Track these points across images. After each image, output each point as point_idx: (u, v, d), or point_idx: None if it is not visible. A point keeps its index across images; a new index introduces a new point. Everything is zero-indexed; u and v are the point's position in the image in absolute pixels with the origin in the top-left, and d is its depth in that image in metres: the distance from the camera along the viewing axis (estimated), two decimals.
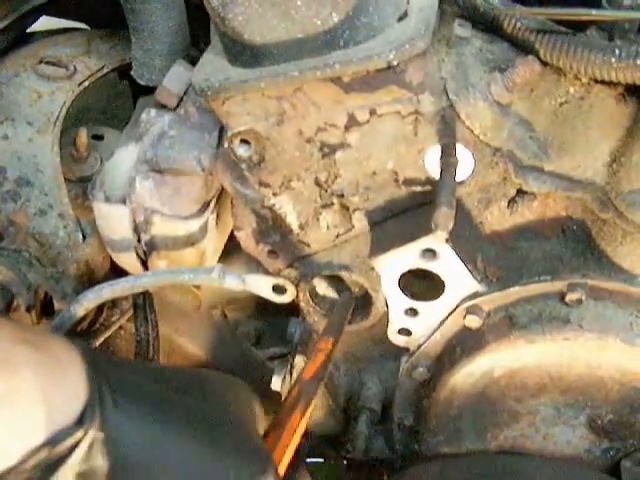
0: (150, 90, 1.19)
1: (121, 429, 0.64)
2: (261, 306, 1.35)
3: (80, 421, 0.62)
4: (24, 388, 0.60)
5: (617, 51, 0.88)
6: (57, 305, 1.12)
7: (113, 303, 1.21)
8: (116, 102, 1.53)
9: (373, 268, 1.04)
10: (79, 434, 0.61)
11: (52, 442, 0.60)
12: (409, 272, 1.02)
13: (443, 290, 1.02)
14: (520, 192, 1.01)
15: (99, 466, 0.62)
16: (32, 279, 1.10)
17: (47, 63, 1.27)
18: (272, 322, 1.35)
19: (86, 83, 1.26)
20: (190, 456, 0.68)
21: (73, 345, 0.66)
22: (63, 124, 1.22)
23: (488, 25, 0.99)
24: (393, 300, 1.05)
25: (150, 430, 0.67)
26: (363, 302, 1.12)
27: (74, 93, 1.24)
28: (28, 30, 1.38)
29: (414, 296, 1.05)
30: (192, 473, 0.68)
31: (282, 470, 0.78)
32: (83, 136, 1.21)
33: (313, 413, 0.89)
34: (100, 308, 1.18)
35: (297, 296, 1.12)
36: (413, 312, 1.06)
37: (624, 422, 1.05)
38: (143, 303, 1.19)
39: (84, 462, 0.62)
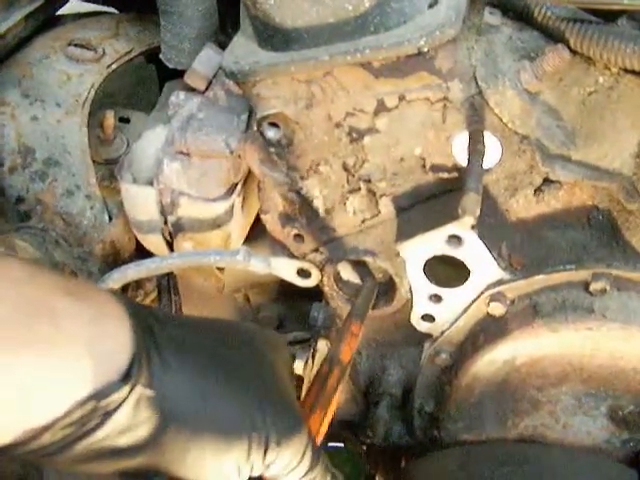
0: (176, 75, 1.20)
1: (168, 385, 0.64)
2: (284, 290, 1.36)
3: (127, 376, 0.61)
4: (69, 339, 0.60)
5: None
6: None
7: (137, 284, 1.22)
8: (142, 86, 1.54)
9: (398, 254, 1.04)
10: (125, 389, 0.61)
11: (98, 396, 0.60)
12: (434, 258, 1.02)
13: (467, 277, 1.03)
14: (546, 181, 1.02)
15: (145, 421, 0.63)
16: (58, 258, 1.11)
17: (76, 45, 1.28)
18: (294, 306, 1.35)
19: (114, 66, 1.27)
20: (232, 408, 0.69)
21: (118, 298, 0.66)
22: (91, 107, 1.22)
23: (518, 13, 0.99)
24: (417, 286, 1.05)
25: (196, 385, 0.67)
26: (387, 288, 1.12)
27: (102, 76, 1.25)
28: (57, 13, 1.39)
29: (438, 282, 1.05)
30: (235, 425, 0.68)
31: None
32: (110, 118, 1.22)
33: (338, 398, 0.89)
34: (124, 289, 1.18)
35: (321, 280, 1.12)
36: (437, 298, 1.06)
37: None
38: (167, 285, 1.20)
39: (130, 418, 0.62)
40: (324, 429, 0.84)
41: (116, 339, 0.63)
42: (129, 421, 0.62)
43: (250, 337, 0.79)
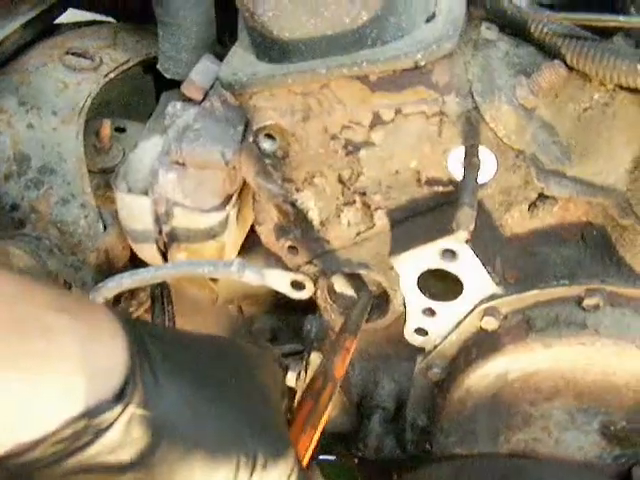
0: (172, 86, 1.20)
1: (160, 405, 0.64)
2: (277, 302, 1.36)
3: (120, 395, 0.61)
4: (63, 356, 0.60)
5: None
6: None
7: (131, 294, 1.22)
8: (139, 96, 1.54)
9: (392, 267, 1.04)
10: (118, 409, 0.61)
11: (91, 414, 0.60)
12: (428, 272, 1.02)
13: (461, 291, 1.03)
14: (541, 196, 1.02)
15: (136, 440, 0.62)
16: (52, 266, 1.11)
17: (74, 54, 1.28)
18: (288, 319, 1.35)
19: (111, 75, 1.27)
20: (221, 427, 0.69)
21: (115, 315, 0.66)
22: (87, 116, 1.23)
23: (515, 29, 1.00)
24: (411, 299, 1.05)
25: (188, 405, 0.67)
26: (381, 301, 1.12)
27: (99, 84, 1.25)
28: (55, 22, 1.39)
29: (432, 296, 1.05)
30: (223, 444, 0.68)
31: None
32: (107, 127, 1.22)
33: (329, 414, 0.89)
34: (118, 298, 1.18)
35: (315, 293, 1.12)
36: (430, 312, 1.06)
37: (637, 429, 1.05)
38: (161, 295, 1.20)
39: (122, 436, 0.62)
40: (313, 447, 0.84)
41: (110, 357, 0.63)
42: (120, 439, 0.62)
43: (242, 356, 0.79)
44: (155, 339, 0.69)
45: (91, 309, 0.66)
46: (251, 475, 0.69)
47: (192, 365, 0.70)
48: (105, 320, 0.65)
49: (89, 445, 0.60)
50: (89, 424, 0.60)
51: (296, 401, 0.92)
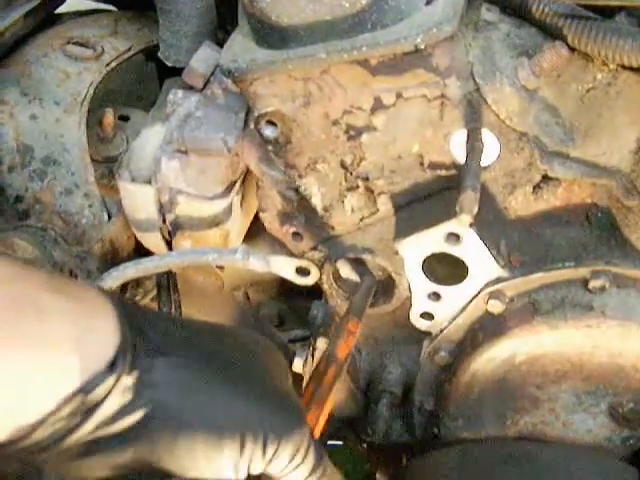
0: (175, 73, 1.20)
1: (154, 376, 0.64)
2: (283, 288, 1.36)
3: (112, 367, 0.62)
4: (55, 335, 0.60)
5: None
6: None
7: (137, 282, 1.22)
8: (142, 84, 1.54)
9: (397, 252, 1.04)
10: (111, 380, 0.61)
11: (86, 389, 0.60)
12: (433, 256, 1.02)
13: (466, 275, 1.02)
14: (545, 178, 1.01)
15: (132, 411, 0.63)
16: (57, 257, 1.11)
17: (75, 44, 1.28)
18: (294, 304, 1.35)
19: (113, 64, 1.27)
20: (224, 405, 0.68)
21: (106, 295, 0.66)
22: (90, 105, 1.22)
23: (516, 10, 0.99)
24: (416, 284, 1.05)
25: (182, 378, 0.67)
26: (386, 286, 1.12)
27: (101, 74, 1.25)
28: (56, 11, 1.39)
29: (437, 280, 1.05)
30: (226, 422, 0.68)
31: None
32: (110, 116, 1.22)
33: (335, 396, 0.89)
34: (124, 287, 1.18)
35: (320, 278, 1.12)
36: (436, 296, 1.06)
37: None
38: (167, 283, 1.20)
39: (117, 408, 0.62)
40: (320, 427, 0.84)
41: (102, 332, 0.63)
42: (116, 411, 0.62)
43: (243, 340, 0.79)
44: (149, 319, 0.69)
45: (83, 289, 0.67)
46: (264, 450, 0.68)
47: (186, 342, 0.70)
48: (98, 299, 0.66)
49: (86, 420, 0.61)
50: (84, 399, 0.60)
51: (303, 386, 0.92)
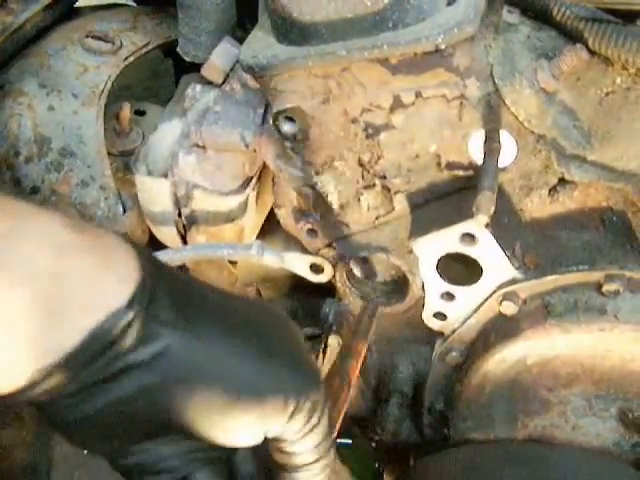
0: (191, 70, 1.20)
1: (170, 320, 0.63)
2: (296, 285, 1.36)
3: (130, 304, 0.60)
4: (75, 271, 0.59)
5: None
6: None
7: None
8: (159, 80, 1.54)
9: (411, 251, 1.04)
10: (130, 315, 0.60)
11: (107, 324, 0.59)
12: (447, 256, 1.02)
13: (480, 275, 1.02)
14: (562, 181, 1.01)
15: (150, 344, 0.61)
16: None
17: (94, 37, 1.29)
18: (306, 302, 1.36)
19: (131, 58, 1.28)
20: (245, 365, 0.67)
21: (126, 239, 0.65)
22: (107, 99, 1.23)
23: (537, 12, 0.99)
24: (430, 283, 1.05)
25: (199, 325, 0.65)
26: (399, 285, 1.12)
27: (119, 68, 1.26)
28: (75, 5, 1.40)
29: (451, 280, 1.05)
30: (247, 382, 0.67)
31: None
32: (126, 110, 1.23)
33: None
34: None
35: (334, 276, 1.12)
36: (449, 296, 1.06)
37: None
38: None
39: (139, 344, 0.61)
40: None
41: (122, 270, 0.61)
42: (134, 343, 0.60)
43: (259, 304, 0.78)
44: (167, 268, 0.68)
45: (104, 232, 0.65)
46: (285, 406, 0.67)
47: (206, 297, 0.68)
48: (118, 240, 0.64)
49: (109, 356, 0.59)
50: (107, 335, 0.59)
51: None
